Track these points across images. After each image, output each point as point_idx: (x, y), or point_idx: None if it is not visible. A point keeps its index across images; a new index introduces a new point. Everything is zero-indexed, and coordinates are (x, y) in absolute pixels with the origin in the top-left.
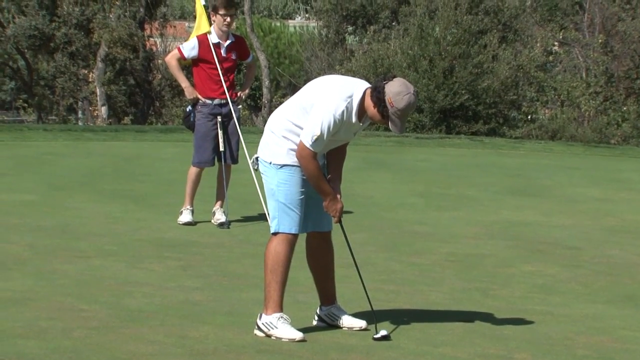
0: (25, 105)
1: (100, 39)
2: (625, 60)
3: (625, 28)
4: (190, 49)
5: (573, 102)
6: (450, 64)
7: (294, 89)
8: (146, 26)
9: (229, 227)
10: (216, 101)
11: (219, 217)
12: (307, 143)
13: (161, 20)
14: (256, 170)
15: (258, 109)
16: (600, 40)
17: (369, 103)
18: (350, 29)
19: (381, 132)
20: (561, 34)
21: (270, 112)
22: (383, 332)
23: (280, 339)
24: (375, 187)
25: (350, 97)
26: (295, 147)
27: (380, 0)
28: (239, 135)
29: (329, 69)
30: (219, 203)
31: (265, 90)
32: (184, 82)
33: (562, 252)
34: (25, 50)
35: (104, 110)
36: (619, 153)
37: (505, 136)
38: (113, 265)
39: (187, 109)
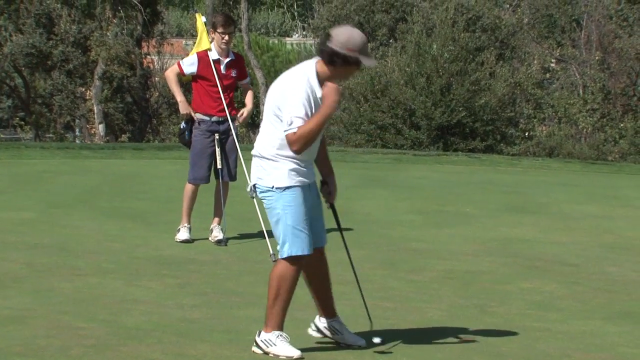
0: (23, 123)
1: (97, 57)
2: (622, 78)
3: (622, 45)
4: (189, 64)
5: (570, 119)
6: (447, 81)
7: None
8: (143, 44)
9: (226, 245)
10: (214, 118)
11: (217, 234)
12: (291, 131)
13: (158, 38)
14: (253, 198)
15: (255, 126)
16: (597, 58)
17: (330, 70)
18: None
19: (378, 149)
20: (558, 51)
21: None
22: (377, 339)
23: (278, 356)
24: (372, 204)
25: (306, 74)
26: (294, 165)
27: (378, 18)
28: (237, 153)
29: None
30: (216, 220)
31: (262, 108)
32: (179, 97)
33: (560, 269)
34: (23, 68)
35: (101, 128)
36: (616, 170)
37: (502, 153)
38: (111, 283)
39: (182, 126)
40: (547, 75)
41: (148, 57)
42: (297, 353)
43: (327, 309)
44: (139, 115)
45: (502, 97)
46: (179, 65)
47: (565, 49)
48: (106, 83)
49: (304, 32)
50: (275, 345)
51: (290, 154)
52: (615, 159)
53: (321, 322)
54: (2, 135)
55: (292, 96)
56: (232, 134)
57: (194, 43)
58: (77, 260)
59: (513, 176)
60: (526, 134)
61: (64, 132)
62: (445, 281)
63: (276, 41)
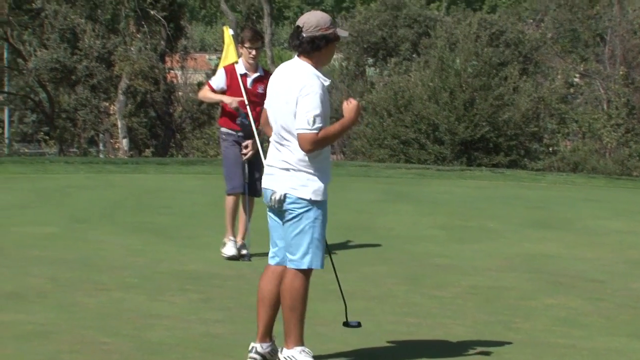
0: (47, 137)
1: (121, 72)
2: None
3: None
4: (217, 80)
5: (594, 134)
6: (471, 96)
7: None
8: (167, 59)
9: (250, 260)
10: (240, 133)
11: (241, 249)
12: (306, 129)
13: (182, 52)
14: (278, 207)
15: None
16: (621, 72)
17: (318, 59)
18: (370, 61)
19: (402, 164)
20: (582, 65)
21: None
22: (354, 323)
23: None
24: (396, 220)
25: (308, 68)
26: (327, 180)
27: (401, 33)
28: (263, 169)
29: None
30: (240, 235)
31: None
32: (220, 98)
33: (585, 285)
34: (47, 83)
35: (125, 143)
36: None
37: (526, 168)
38: (134, 298)
39: (239, 121)
40: (571, 90)
41: (172, 71)
42: None
43: (270, 331)
44: (163, 130)
45: (525, 112)
46: (208, 84)
47: (589, 64)
48: (130, 98)
49: None
50: None
51: (323, 166)
52: None
53: (264, 347)
54: (26, 150)
55: (308, 97)
56: (259, 150)
57: (218, 57)
58: (101, 275)
59: (537, 191)
60: (550, 149)
61: (87, 147)
62: (469, 297)
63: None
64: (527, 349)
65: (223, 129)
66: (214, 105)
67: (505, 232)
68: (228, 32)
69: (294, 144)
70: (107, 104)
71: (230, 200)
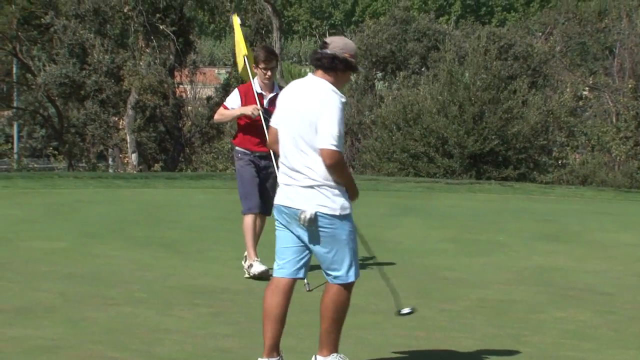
0: (56, 152)
1: (130, 86)
2: None
3: None
4: (232, 100)
5: (603, 147)
6: (480, 110)
7: None
8: (176, 73)
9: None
10: (256, 153)
11: (258, 267)
12: (333, 145)
13: (191, 67)
14: (309, 225)
15: None
16: (630, 85)
17: (333, 79)
18: (379, 74)
19: (411, 178)
20: (591, 78)
21: None
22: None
23: None
24: (405, 233)
25: (326, 85)
26: (346, 191)
27: (410, 47)
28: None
29: (359, 115)
30: (253, 253)
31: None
32: (238, 111)
33: (594, 298)
34: (56, 98)
35: (134, 157)
36: None
37: (535, 181)
38: (143, 313)
39: (259, 112)
40: (580, 103)
41: (181, 86)
42: None
43: (277, 346)
44: (172, 145)
45: (534, 125)
46: (223, 106)
47: (598, 77)
48: (139, 112)
49: None
50: None
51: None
52: None
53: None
54: (35, 165)
55: (330, 113)
56: (272, 170)
57: (227, 72)
58: (110, 290)
59: (546, 204)
60: (559, 162)
61: (97, 162)
62: (479, 310)
63: (308, 70)
64: None
65: (238, 149)
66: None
67: (514, 245)
68: (237, 22)
69: (316, 159)
70: (116, 119)
71: (247, 220)
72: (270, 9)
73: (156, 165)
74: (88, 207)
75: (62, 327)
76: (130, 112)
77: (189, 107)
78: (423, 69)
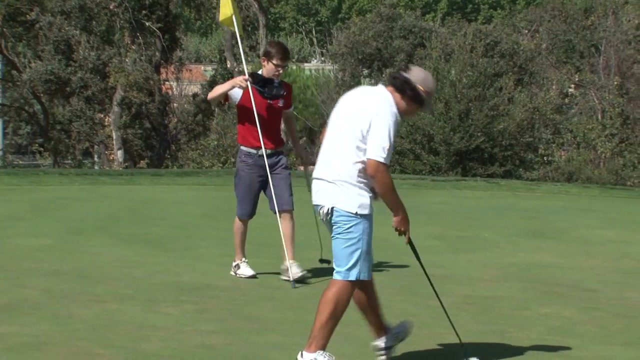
0: (41, 149)
1: (116, 83)
2: None
3: None
4: (233, 91)
5: (589, 144)
6: (466, 107)
7: (309, 132)
8: (162, 70)
9: (305, 281)
10: (260, 151)
11: (296, 270)
12: (381, 157)
13: (177, 64)
14: (326, 220)
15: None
16: (616, 83)
17: (399, 100)
18: (365, 72)
19: (397, 174)
20: (577, 76)
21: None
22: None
23: None
24: (391, 230)
25: (390, 102)
26: (371, 193)
27: (396, 44)
28: (290, 180)
29: None
30: (289, 256)
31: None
32: (227, 84)
33: (579, 294)
34: (42, 95)
35: (120, 154)
36: (635, 195)
37: (521, 178)
38: (129, 310)
39: (247, 84)
40: (566, 100)
41: (167, 83)
42: None
43: (381, 324)
44: (158, 142)
45: (520, 122)
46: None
47: (583, 74)
48: (125, 109)
49: (322, 58)
50: None
51: (369, 182)
52: (634, 183)
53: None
54: (21, 162)
55: (385, 124)
56: (283, 162)
57: (213, 69)
58: (96, 287)
59: (532, 201)
60: (545, 159)
61: (82, 159)
62: (464, 307)
63: (294, 67)
64: (521, 359)
65: (243, 148)
66: (213, 113)
67: (500, 242)
68: None
69: (350, 156)
70: (102, 116)
71: (238, 223)
72: (256, 5)
73: (142, 162)
74: (74, 204)
75: (48, 324)
76: (116, 108)
77: (174, 104)
78: (290, 57)
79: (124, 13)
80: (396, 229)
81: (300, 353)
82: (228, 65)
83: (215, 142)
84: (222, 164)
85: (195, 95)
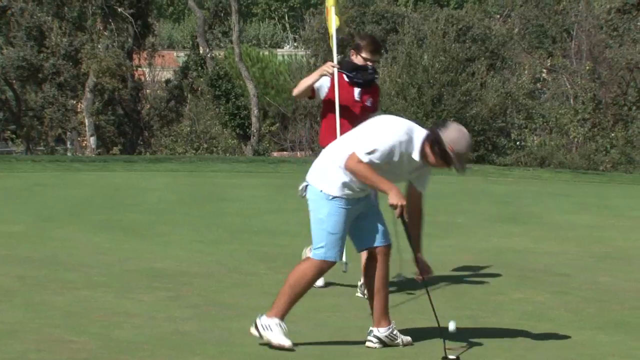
0: (14, 136)
1: (88, 69)
2: (612, 87)
3: (612, 55)
4: (321, 80)
5: (561, 129)
6: (438, 92)
7: (282, 118)
8: (134, 56)
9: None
10: None
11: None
12: (360, 153)
13: (149, 50)
14: (303, 197)
15: (247, 137)
16: (587, 67)
17: (429, 152)
18: (338, 57)
19: None
20: (549, 61)
21: (259, 141)
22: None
23: (270, 342)
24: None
25: (412, 131)
26: (347, 179)
27: (369, 29)
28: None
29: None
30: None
31: (254, 119)
32: (314, 74)
33: (552, 279)
34: (14, 81)
35: (92, 141)
36: (607, 180)
37: (494, 163)
38: (102, 296)
39: (333, 70)
40: (538, 85)
41: (139, 69)
42: (288, 343)
43: (386, 315)
44: (131, 128)
45: (493, 107)
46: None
47: (556, 59)
48: (97, 96)
49: (295, 44)
50: (271, 330)
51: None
52: (606, 168)
53: (380, 332)
54: None
55: (383, 132)
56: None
57: (186, 54)
58: (69, 274)
59: (504, 186)
60: (517, 144)
61: (55, 145)
62: (437, 292)
63: (267, 52)
64: (494, 343)
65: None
66: (186, 99)
67: (473, 227)
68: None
69: (343, 150)
70: (75, 102)
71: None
72: None
73: (115, 148)
74: (46, 191)
75: (21, 311)
76: (88, 95)
77: (147, 90)
78: (382, 52)
79: None
80: (392, 206)
81: (259, 315)
82: (200, 51)
83: (188, 129)
84: (195, 150)
85: (168, 81)
